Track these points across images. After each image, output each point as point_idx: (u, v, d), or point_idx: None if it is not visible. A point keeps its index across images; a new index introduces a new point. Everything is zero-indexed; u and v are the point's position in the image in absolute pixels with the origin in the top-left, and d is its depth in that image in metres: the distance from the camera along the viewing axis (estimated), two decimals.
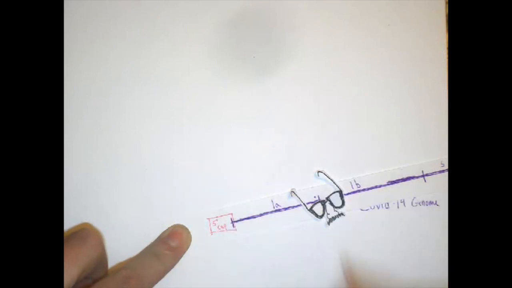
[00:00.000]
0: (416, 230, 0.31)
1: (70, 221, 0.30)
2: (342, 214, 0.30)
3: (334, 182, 0.30)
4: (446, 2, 0.31)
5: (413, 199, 0.31)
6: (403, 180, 0.31)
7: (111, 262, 0.30)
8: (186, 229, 0.31)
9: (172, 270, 0.29)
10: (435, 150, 0.31)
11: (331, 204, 0.30)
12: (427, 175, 0.31)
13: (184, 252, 0.30)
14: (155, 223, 0.30)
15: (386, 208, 0.31)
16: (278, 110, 0.31)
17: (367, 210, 0.31)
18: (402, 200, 0.31)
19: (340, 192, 0.30)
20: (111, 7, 0.30)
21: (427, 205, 0.31)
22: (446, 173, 0.31)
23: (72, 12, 0.30)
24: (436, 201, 0.31)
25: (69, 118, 0.30)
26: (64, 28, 0.29)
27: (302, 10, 0.30)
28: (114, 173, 0.30)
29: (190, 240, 0.31)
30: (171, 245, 0.30)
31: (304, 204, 0.30)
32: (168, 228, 0.30)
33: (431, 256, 0.31)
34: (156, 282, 0.28)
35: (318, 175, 0.30)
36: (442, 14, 0.31)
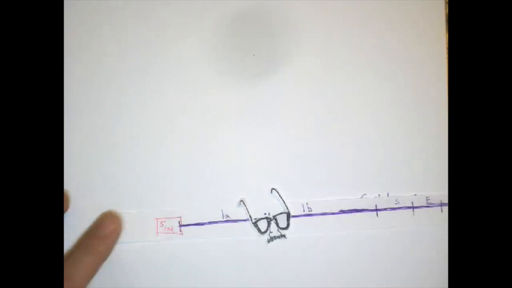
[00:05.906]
0: (356, 264, 0.30)
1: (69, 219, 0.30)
2: (283, 236, 0.30)
3: (284, 203, 0.30)
4: (446, 2, 0.31)
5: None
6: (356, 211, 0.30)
7: None
8: (116, 216, 0.29)
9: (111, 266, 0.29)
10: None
11: (276, 223, 0.30)
12: (379, 210, 0.30)
13: (116, 241, 0.29)
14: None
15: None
16: (275, 109, 0.30)
17: (312, 235, 0.30)
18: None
19: (288, 214, 0.30)
20: (111, 5, 0.30)
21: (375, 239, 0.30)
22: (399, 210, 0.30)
23: (71, 11, 0.29)
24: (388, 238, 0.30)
25: (68, 117, 0.30)
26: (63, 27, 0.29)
27: (302, 8, 0.30)
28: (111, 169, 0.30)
29: (121, 228, 0.29)
30: (100, 235, 0.28)
31: (250, 216, 0.30)
32: (97, 218, 0.29)
33: None
34: (91, 276, 0.27)
35: (271, 192, 0.30)
36: (442, 14, 0.31)
